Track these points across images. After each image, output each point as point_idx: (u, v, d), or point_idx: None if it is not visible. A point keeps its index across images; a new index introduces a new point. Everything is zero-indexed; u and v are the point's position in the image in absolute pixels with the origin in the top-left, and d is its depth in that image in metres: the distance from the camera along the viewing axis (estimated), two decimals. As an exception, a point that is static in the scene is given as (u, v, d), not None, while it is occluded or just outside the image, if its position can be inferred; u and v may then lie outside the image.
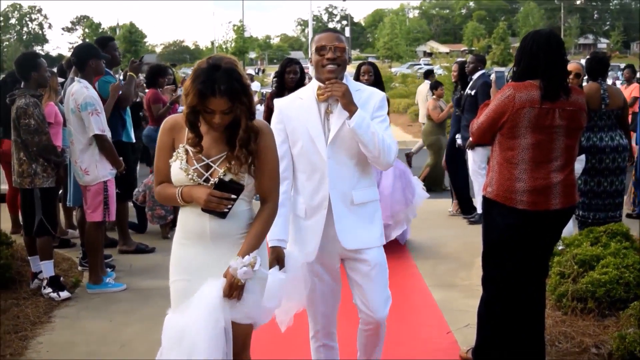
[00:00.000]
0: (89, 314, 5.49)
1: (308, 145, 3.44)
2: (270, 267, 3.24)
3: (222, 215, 2.96)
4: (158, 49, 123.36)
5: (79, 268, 6.67)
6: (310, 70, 7.77)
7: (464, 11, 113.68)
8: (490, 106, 3.92)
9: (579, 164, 6.07)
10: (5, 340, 4.83)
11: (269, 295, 3.08)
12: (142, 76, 9.87)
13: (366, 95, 3.48)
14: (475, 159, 8.23)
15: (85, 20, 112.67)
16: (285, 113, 3.51)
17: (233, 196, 2.92)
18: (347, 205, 3.47)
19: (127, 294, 5.94)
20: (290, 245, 3.56)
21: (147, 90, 8.82)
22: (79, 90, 5.93)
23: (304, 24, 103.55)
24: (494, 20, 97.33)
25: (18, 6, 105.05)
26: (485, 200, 4.05)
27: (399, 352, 4.57)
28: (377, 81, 6.87)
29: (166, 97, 8.71)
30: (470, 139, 7.66)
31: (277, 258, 3.40)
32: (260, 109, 9.37)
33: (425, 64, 58.59)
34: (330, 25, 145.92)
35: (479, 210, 7.97)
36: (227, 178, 2.94)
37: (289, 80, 7.26)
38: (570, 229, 6.23)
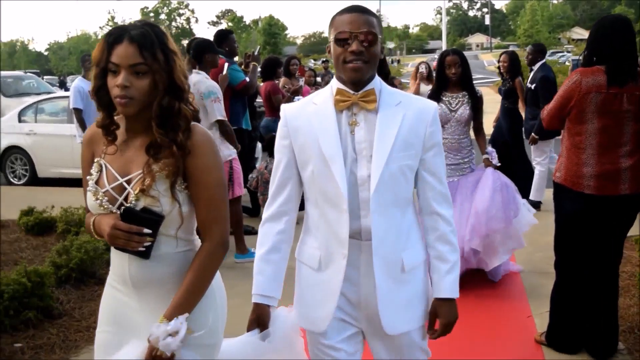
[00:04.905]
0: (195, 287, 5.93)
1: (320, 169, 2.41)
2: (249, 329, 2.47)
3: (143, 254, 2.24)
4: (298, 41, 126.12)
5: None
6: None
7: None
8: (559, 92, 3.98)
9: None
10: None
11: None
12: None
13: (412, 115, 2.42)
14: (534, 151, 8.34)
15: (229, 14, 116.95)
16: (293, 124, 2.49)
17: (147, 230, 2.19)
18: (396, 273, 2.47)
19: (233, 272, 6.35)
20: (294, 308, 2.63)
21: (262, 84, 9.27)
22: (201, 80, 6.38)
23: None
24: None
25: (167, 2, 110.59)
26: (555, 185, 4.10)
27: (475, 333, 4.69)
28: (466, 76, 5.57)
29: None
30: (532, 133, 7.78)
31: (259, 320, 2.49)
32: None
33: (568, 51, 56.40)
34: (471, 13, 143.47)
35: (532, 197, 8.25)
36: (139, 205, 2.21)
37: None
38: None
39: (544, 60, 8.25)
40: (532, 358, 4.31)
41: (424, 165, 2.47)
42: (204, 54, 6.54)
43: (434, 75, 6.01)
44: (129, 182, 2.25)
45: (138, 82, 2.14)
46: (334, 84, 2.47)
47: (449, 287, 2.49)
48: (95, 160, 2.33)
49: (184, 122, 2.23)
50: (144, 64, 2.13)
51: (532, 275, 5.93)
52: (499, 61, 8.98)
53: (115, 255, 2.35)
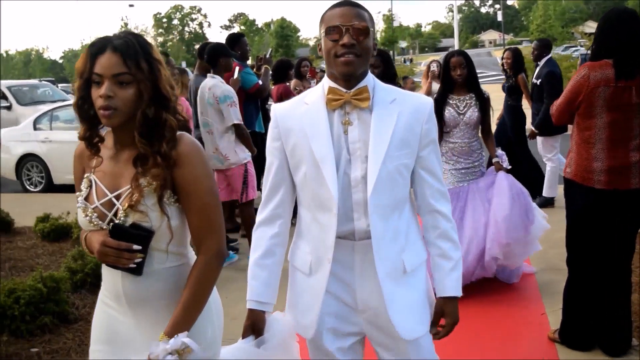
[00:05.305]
0: (210, 290, 5.97)
1: (312, 172, 2.34)
2: (244, 336, 2.42)
3: (135, 271, 2.17)
4: (311, 42, 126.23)
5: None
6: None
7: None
8: (567, 87, 3.97)
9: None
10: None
11: None
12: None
13: (408, 112, 2.35)
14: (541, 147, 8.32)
15: (241, 17, 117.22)
16: (284, 125, 2.40)
17: (136, 246, 2.13)
18: (399, 275, 2.40)
19: (244, 274, 6.38)
20: (287, 313, 2.58)
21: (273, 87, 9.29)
22: (216, 84, 6.41)
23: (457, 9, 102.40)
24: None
25: (180, 7, 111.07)
26: (565, 180, 4.09)
27: (488, 332, 4.69)
28: (472, 77, 5.46)
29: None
30: (533, 129, 7.79)
31: (254, 326, 2.42)
32: None
33: (581, 45, 55.98)
34: (483, 10, 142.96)
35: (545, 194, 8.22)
36: (128, 221, 2.14)
37: None
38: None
39: (549, 56, 8.20)
40: (546, 355, 4.29)
41: (421, 163, 2.41)
42: (218, 58, 6.56)
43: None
44: (118, 197, 2.20)
45: (122, 92, 2.09)
46: (326, 82, 2.38)
47: (454, 285, 2.45)
48: (86, 175, 2.29)
49: (169, 132, 2.17)
50: (128, 74, 2.09)
51: (546, 272, 5.90)
52: (502, 58, 8.84)
53: (107, 272, 2.29)
